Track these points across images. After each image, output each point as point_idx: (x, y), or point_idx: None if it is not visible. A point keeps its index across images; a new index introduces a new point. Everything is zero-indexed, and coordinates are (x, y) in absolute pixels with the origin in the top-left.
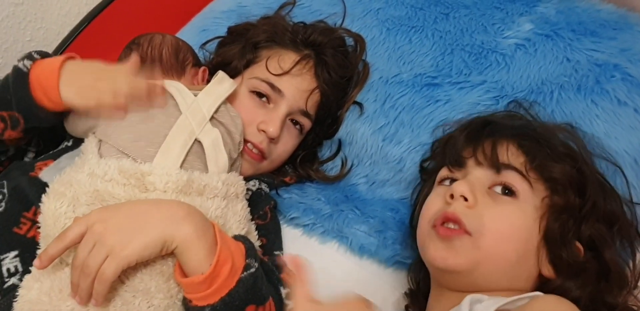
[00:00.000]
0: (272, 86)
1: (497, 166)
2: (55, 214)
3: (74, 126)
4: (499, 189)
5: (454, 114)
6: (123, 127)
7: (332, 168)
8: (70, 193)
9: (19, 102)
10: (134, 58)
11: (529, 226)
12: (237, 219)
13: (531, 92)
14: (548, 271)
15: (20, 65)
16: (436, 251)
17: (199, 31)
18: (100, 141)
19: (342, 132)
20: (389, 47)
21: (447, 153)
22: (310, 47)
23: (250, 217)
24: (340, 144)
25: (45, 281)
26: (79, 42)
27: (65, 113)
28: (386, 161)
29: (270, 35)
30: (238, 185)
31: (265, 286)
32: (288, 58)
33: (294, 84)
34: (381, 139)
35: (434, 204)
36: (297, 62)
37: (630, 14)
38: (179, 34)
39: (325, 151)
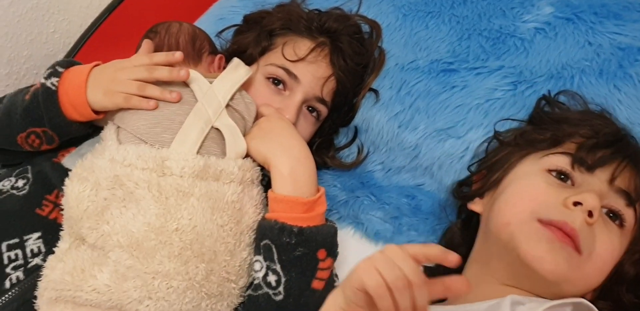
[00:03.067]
0: (288, 71)
1: (631, 201)
2: (79, 197)
3: None
4: (605, 211)
5: (471, 100)
6: (139, 114)
7: (349, 155)
8: (92, 177)
9: (51, 121)
10: (146, 45)
11: (617, 259)
12: (254, 203)
13: (551, 77)
14: (588, 296)
15: (49, 84)
16: (540, 251)
17: (216, 20)
18: (118, 127)
19: (358, 120)
20: (405, 34)
21: (580, 150)
22: (325, 34)
23: (267, 202)
24: (356, 131)
25: (68, 261)
26: (100, 33)
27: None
28: (402, 148)
29: (285, 23)
30: (254, 171)
31: (337, 247)
32: (303, 45)
33: (310, 70)
34: (397, 126)
35: (543, 193)
36: (313, 49)
37: None
38: (196, 23)
39: (342, 138)
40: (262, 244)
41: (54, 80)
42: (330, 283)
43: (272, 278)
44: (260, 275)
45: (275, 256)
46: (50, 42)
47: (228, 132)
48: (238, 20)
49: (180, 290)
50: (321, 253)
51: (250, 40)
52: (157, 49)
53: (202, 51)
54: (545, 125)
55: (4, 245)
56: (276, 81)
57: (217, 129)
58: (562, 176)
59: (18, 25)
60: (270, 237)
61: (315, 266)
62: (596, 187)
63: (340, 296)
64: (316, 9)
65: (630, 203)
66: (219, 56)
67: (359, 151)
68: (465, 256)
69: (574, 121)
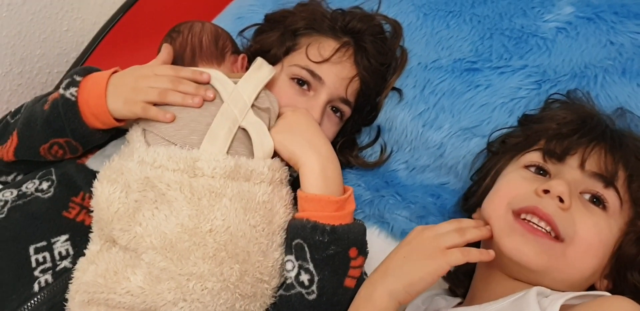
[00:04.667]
0: (312, 73)
1: (608, 181)
2: (109, 199)
3: None
4: (587, 196)
5: (495, 99)
6: None
7: (372, 154)
8: (122, 180)
9: (74, 131)
10: (165, 50)
11: (611, 243)
12: (283, 203)
13: (574, 77)
14: (603, 286)
15: (68, 95)
16: (514, 243)
17: (234, 19)
18: (144, 130)
19: (381, 119)
20: (427, 33)
21: (550, 143)
22: (349, 34)
23: (295, 202)
24: (379, 131)
25: (100, 263)
26: (115, 32)
27: None
28: (426, 147)
29: (309, 23)
30: (282, 170)
31: (366, 245)
32: (328, 46)
33: (334, 71)
34: (421, 125)
35: (518, 187)
36: (337, 50)
37: None
38: (214, 22)
39: (364, 138)
40: (293, 243)
41: (72, 90)
42: (361, 282)
43: (304, 277)
44: (293, 274)
45: (308, 255)
46: (63, 40)
47: (255, 132)
48: (257, 19)
49: (214, 291)
50: (353, 252)
51: (274, 40)
52: (181, 48)
53: (225, 51)
54: (523, 127)
55: (31, 248)
56: (300, 82)
57: (243, 129)
58: (541, 171)
59: (31, 23)
60: (303, 236)
61: (347, 264)
62: (568, 174)
63: None
64: (339, 9)
65: (607, 184)
66: (242, 55)
67: (382, 150)
68: None
69: (544, 118)
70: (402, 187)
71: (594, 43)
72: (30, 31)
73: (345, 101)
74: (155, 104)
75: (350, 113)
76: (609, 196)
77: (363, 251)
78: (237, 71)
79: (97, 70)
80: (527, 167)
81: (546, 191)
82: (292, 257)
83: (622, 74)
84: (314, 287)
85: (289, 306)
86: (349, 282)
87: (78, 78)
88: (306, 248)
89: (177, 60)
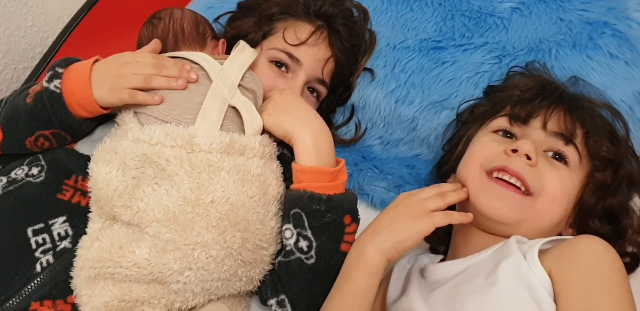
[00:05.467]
0: (290, 55)
1: (568, 139)
2: (106, 178)
3: None
4: (551, 153)
5: (461, 74)
6: None
7: (347, 133)
8: (116, 159)
9: (62, 123)
10: (152, 45)
11: (574, 194)
12: (275, 176)
13: (531, 51)
14: (569, 234)
15: (52, 87)
16: (489, 201)
17: (205, 8)
18: (135, 112)
19: (354, 98)
20: (392, 16)
21: (514, 108)
22: (322, 18)
23: (286, 176)
24: (353, 109)
25: (104, 239)
26: (82, 27)
27: None
28: (399, 122)
29: (284, 8)
30: (272, 146)
31: (358, 212)
32: (303, 29)
33: (311, 53)
34: (394, 101)
35: (488, 148)
36: (313, 33)
37: None
38: None
39: (339, 117)
40: (291, 213)
41: (56, 82)
42: None
43: (303, 244)
44: (292, 241)
45: (306, 223)
46: (28, 36)
47: (244, 110)
48: (227, 7)
49: (219, 258)
50: (347, 219)
51: (250, 26)
52: (163, 35)
53: (205, 36)
54: (489, 97)
55: (29, 230)
56: (279, 64)
57: (232, 107)
58: (508, 135)
59: None
60: (300, 205)
61: (343, 230)
62: (533, 135)
63: None
64: None
65: (567, 142)
66: (221, 40)
67: (357, 128)
68: None
69: (507, 86)
70: (378, 160)
71: (545, 20)
72: None
73: (321, 81)
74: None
75: (326, 93)
76: (570, 152)
77: (356, 218)
78: (218, 55)
79: (78, 60)
80: (495, 131)
81: (514, 151)
82: (290, 226)
83: (573, 47)
84: (313, 252)
85: (289, 271)
86: (345, 247)
87: (60, 70)
88: (304, 217)
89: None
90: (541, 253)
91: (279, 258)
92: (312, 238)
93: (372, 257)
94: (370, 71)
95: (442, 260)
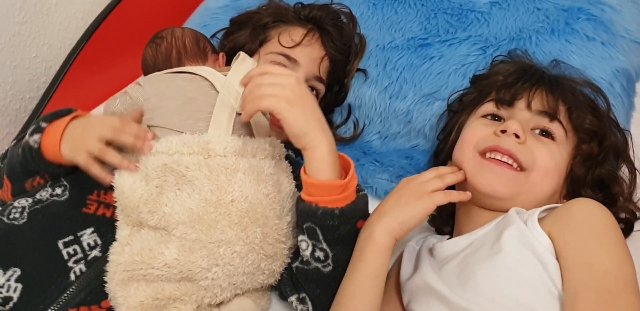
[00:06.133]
0: (287, 57)
1: (552, 116)
2: (132, 188)
3: None
4: (538, 131)
5: (449, 67)
6: (170, 111)
7: (345, 131)
8: (139, 172)
9: (48, 171)
10: (134, 114)
11: (563, 166)
12: (286, 175)
13: (512, 40)
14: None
15: (32, 142)
16: (485, 178)
17: (200, 27)
18: (148, 126)
19: (350, 98)
20: (379, 19)
21: (499, 93)
22: (312, 21)
23: (296, 174)
24: (350, 109)
25: (134, 243)
26: (83, 55)
27: None
28: (395, 116)
29: (276, 16)
30: (280, 146)
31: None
32: (297, 32)
33: (307, 53)
34: (388, 97)
35: (479, 131)
36: (306, 34)
37: None
38: None
39: (337, 117)
40: (305, 226)
41: (36, 137)
42: None
43: (319, 254)
44: (308, 252)
45: (321, 237)
46: (32, 67)
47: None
48: (222, 25)
49: (242, 253)
50: (360, 223)
51: (246, 36)
52: (167, 52)
53: (206, 51)
54: (475, 85)
55: (60, 243)
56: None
57: (239, 114)
58: (496, 118)
59: (2, 53)
60: (314, 220)
61: (356, 235)
62: (519, 116)
63: None
64: (298, 3)
65: (552, 119)
66: (221, 54)
67: (355, 126)
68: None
69: (491, 74)
70: (378, 154)
71: (523, 11)
72: (2, 60)
73: (319, 79)
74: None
75: (324, 91)
76: (555, 128)
77: (366, 218)
78: (219, 67)
79: (69, 111)
80: (484, 116)
81: (503, 131)
82: (305, 237)
83: (552, 33)
84: (330, 261)
85: (308, 278)
86: None
87: (44, 125)
88: (318, 231)
89: (165, 62)
90: (540, 219)
91: (297, 264)
92: (328, 249)
93: (381, 237)
94: (364, 71)
95: (449, 239)
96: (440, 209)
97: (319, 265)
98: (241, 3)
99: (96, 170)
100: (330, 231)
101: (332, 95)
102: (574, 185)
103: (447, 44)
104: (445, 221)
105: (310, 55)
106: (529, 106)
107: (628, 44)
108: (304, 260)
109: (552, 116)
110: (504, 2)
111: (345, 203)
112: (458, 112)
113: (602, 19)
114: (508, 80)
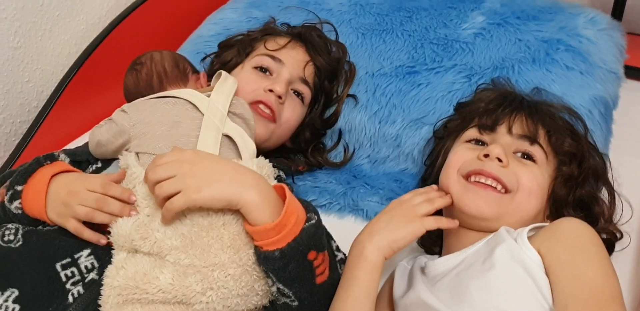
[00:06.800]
0: (272, 57)
1: (532, 140)
2: (125, 218)
3: (102, 152)
4: (519, 154)
5: (436, 93)
6: (156, 137)
7: (336, 155)
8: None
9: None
10: (117, 176)
11: (546, 187)
12: None
13: (496, 69)
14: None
15: (13, 209)
16: (471, 201)
17: (194, 54)
18: (137, 154)
19: (341, 123)
20: (367, 49)
21: (481, 119)
22: (297, 35)
23: None
24: (340, 133)
25: (128, 267)
26: (75, 82)
27: None
28: (384, 140)
29: (263, 30)
30: (268, 166)
31: (324, 236)
32: (282, 38)
33: (292, 54)
34: (377, 122)
35: (463, 156)
36: (291, 40)
37: (559, 1)
38: None
39: (327, 141)
40: (260, 267)
41: (16, 203)
42: (333, 268)
43: (283, 291)
44: (274, 289)
45: (274, 278)
46: (25, 91)
47: (237, 136)
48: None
49: (236, 276)
50: (311, 255)
51: (234, 52)
52: (148, 78)
53: (186, 72)
54: (459, 112)
55: (57, 265)
56: (263, 69)
57: (226, 136)
58: (480, 143)
59: None
60: (262, 264)
61: (311, 268)
62: (501, 140)
63: None
64: (285, 23)
65: (532, 142)
66: (202, 73)
67: (346, 151)
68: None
69: (474, 101)
70: (368, 177)
71: (506, 42)
72: None
73: (304, 81)
74: None
75: (310, 97)
76: (536, 151)
77: (321, 247)
78: (200, 87)
79: (37, 163)
80: (468, 142)
81: (486, 155)
82: (266, 277)
83: (533, 63)
84: (293, 297)
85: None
86: (320, 278)
87: (19, 188)
88: (270, 274)
89: (147, 88)
90: (529, 237)
91: (273, 296)
92: (286, 289)
93: (371, 254)
94: (354, 97)
95: (440, 258)
96: (429, 231)
97: (287, 300)
98: (233, 32)
99: (88, 235)
100: (280, 272)
101: (319, 108)
102: (557, 205)
103: (433, 72)
104: (434, 242)
105: (295, 56)
106: (510, 131)
107: (605, 74)
108: (274, 295)
109: (533, 140)
110: (487, 34)
111: (286, 242)
112: (443, 138)
113: (580, 50)
114: (489, 106)
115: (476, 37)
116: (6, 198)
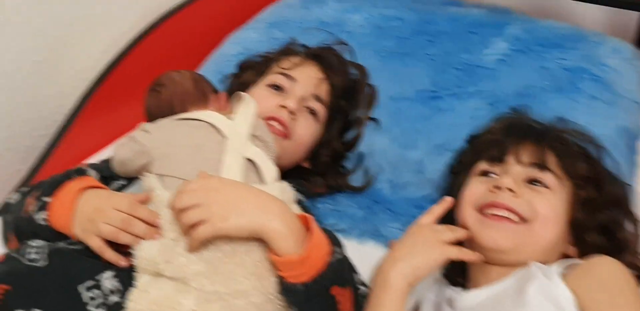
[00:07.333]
0: (286, 75)
1: (541, 166)
2: (149, 241)
3: (124, 170)
4: (532, 182)
5: (459, 119)
6: (179, 160)
7: (355, 179)
8: None
9: (60, 240)
10: (140, 197)
11: (563, 212)
12: None
13: (520, 96)
14: (572, 252)
15: (40, 220)
16: (487, 234)
17: (216, 73)
18: (160, 176)
19: (361, 146)
20: (389, 72)
21: (489, 150)
22: (313, 55)
23: None
24: (361, 157)
25: (152, 291)
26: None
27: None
28: (406, 165)
29: (280, 50)
30: (290, 192)
31: (347, 271)
32: (297, 57)
33: (305, 72)
34: (399, 147)
35: (476, 189)
36: (306, 59)
37: (582, 29)
38: None
39: (347, 165)
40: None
41: (43, 215)
42: (355, 303)
43: None
44: None
45: (297, 309)
46: (46, 105)
47: (259, 160)
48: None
49: (259, 304)
50: (334, 290)
51: (250, 73)
52: (168, 99)
53: (206, 92)
54: (470, 145)
55: (80, 287)
56: (276, 87)
57: (248, 159)
58: (491, 174)
59: (18, 90)
60: (285, 296)
61: (334, 302)
62: (511, 170)
63: None
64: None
65: (542, 169)
66: (222, 93)
67: (366, 174)
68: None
69: (482, 133)
70: (389, 203)
71: (529, 69)
72: (18, 97)
73: (317, 98)
74: None
75: (325, 114)
76: (547, 177)
77: (344, 282)
78: (221, 108)
79: (66, 176)
80: (480, 175)
81: (497, 187)
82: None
83: (557, 91)
84: None
85: None
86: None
87: (47, 199)
88: (294, 307)
89: (168, 109)
90: (562, 275)
91: None
92: None
93: (396, 282)
94: (375, 120)
95: (467, 291)
96: (453, 262)
97: None
98: (254, 51)
99: (110, 255)
100: (302, 306)
101: (337, 128)
102: (577, 230)
103: (456, 97)
104: (459, 273)
105: (309, 74)
106: (518, 160)
107: (629, 104)
108: None
109: (542, 166)
110: (510, 60)
111: (310, 276)
112: (458, 173)
113: (605, 79)
114: (496, 137)
115: (499, 64)
116: (34, 208)
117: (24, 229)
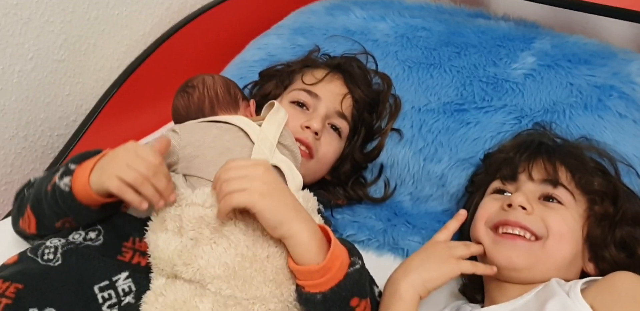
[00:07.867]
0: (309, 92)
1: (553, 182)
2: (166, 241)
3: None
4: (545, 198)
5: (485, 133)
6: (207, 162)
7: (376, 190)
8: (171, 225)
9: (77, 216)
10: (164, 143)
11: (578, 229)
12: None
13: (546, 112)
14: (591, 269)
15: (62, 185)
16: (501, 253)
17: (237, 79)
18: (184, 176)
19: (383, 157)
20: (414, 82)
21: (501, 169)
22: (336, 66)
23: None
24: (381, 168)
25: (168, 294)
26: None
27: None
28: (428, 178)
29: (302, 62)
30: (313, 200)
31: (367, 282)
32: (320, 71)
33: (328, 88)
34: (422, 159)
35: (489, 208)
36: (329, 72)
37: (611, 46)
38: None
39: (368, 175)
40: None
41: (66, 180)
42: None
43: None
44: None
45: None
46: (64, 104)
47: (286, 168)
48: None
49: (277, 310)
50: (353, 302)
51: (273, 84)
52: (199, 102)
53: (237, 98)
54: (485, 164)
55: (95, 288)
56: (300, 104)
57: (274, 166)
58: (505, 192)
59: (37, 88)
60: (303, 305)
61: None
62: (524, 187)
63: None
64: (325, 54)
65: (554, 185)
66: (252, 100)
67: (386, 186)
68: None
69: (495, 152)
70: (410, 216)
71: (556, 85)
72: (37, 96)
73: (341, 115)
74: None
75: (348, 130)
76: (561, 193)
77: (364, 294)
78: (250, 115)
79: (97, 152)
80: (493, 193)
81: (509, 205)
82: None
83: (585, 108)
84: None
85: None
86: None
87: (73, 166)
88: None
89: (198, 111)
90: (582, 291)
91: None
92: None
93: (406, 293)
94: (398, 131)
95: (484, 308)
96: (471, 279)
97: None
98: (277, 58)
99: (131, 196)
100: None
101: (359, 140)
102: (594, 247)
103: (483, 111)
104: (476, 289)
105: (332, 90)
106: (530, 177)
107: None
108: None
109: (555, 182)
110: (538, 75)
111: (329, 287)
112: (473, 192)
113: (634, 97)
114: (508, 155)
115: (526, 78)
116: (57, 174)
117: (42, 202)
